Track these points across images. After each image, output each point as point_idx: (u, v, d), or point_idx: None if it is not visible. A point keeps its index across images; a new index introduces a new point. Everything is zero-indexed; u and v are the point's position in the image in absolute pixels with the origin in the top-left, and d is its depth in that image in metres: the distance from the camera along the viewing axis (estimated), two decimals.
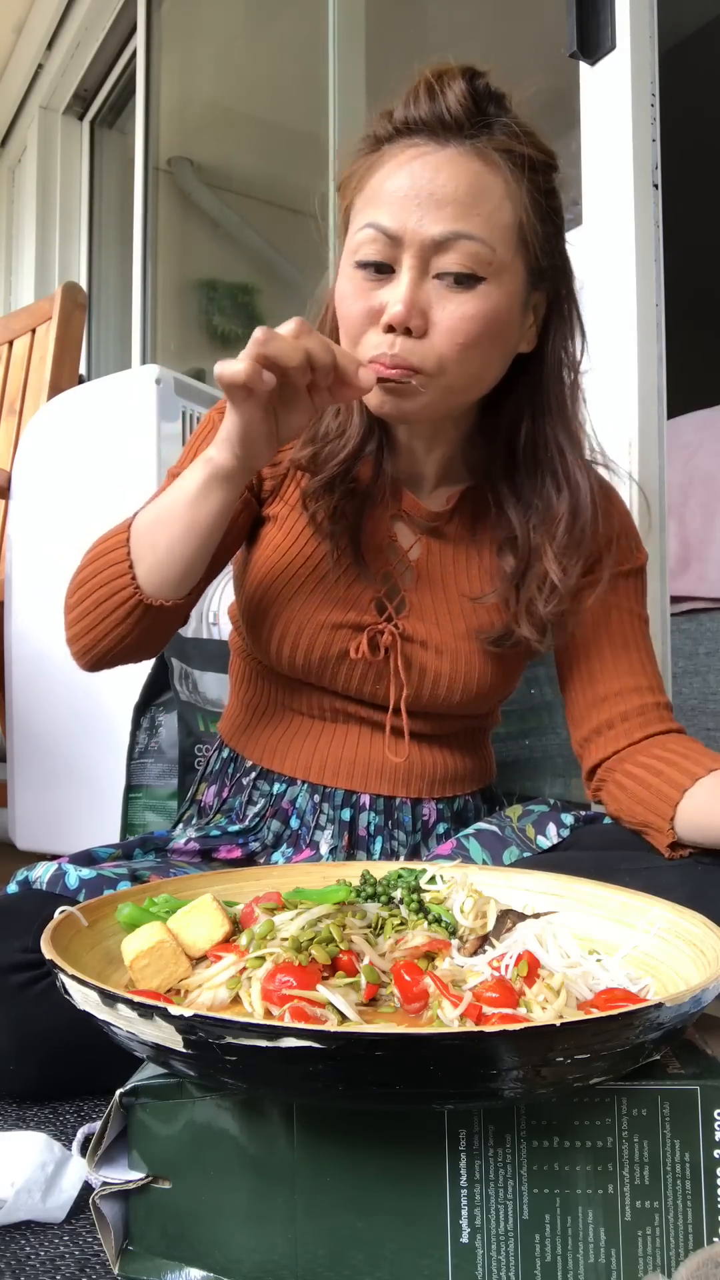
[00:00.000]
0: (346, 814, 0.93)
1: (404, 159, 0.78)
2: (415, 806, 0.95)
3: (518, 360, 0.87)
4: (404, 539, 0.92)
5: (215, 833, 0.93)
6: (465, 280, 0.77)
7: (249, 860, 0.92)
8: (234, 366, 0.70)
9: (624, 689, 0.90)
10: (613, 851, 0.86)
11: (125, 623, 0.83)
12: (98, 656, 0.87)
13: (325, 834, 0.93)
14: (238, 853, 0.92)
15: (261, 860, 0.93)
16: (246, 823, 0.94)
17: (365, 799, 0.93)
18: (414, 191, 0.77)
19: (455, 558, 0.92)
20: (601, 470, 0.93)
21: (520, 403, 0.88)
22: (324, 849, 0.92)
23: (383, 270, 0.79)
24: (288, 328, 0.72)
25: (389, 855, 0.93)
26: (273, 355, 0.70)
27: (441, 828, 0.96)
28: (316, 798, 0.93)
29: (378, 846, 0.93)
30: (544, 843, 0.91)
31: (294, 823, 0.94)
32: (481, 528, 0.93)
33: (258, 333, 0.70)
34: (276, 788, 0.94)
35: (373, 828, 0.93)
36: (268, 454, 0.77)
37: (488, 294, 0.78)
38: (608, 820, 0.93)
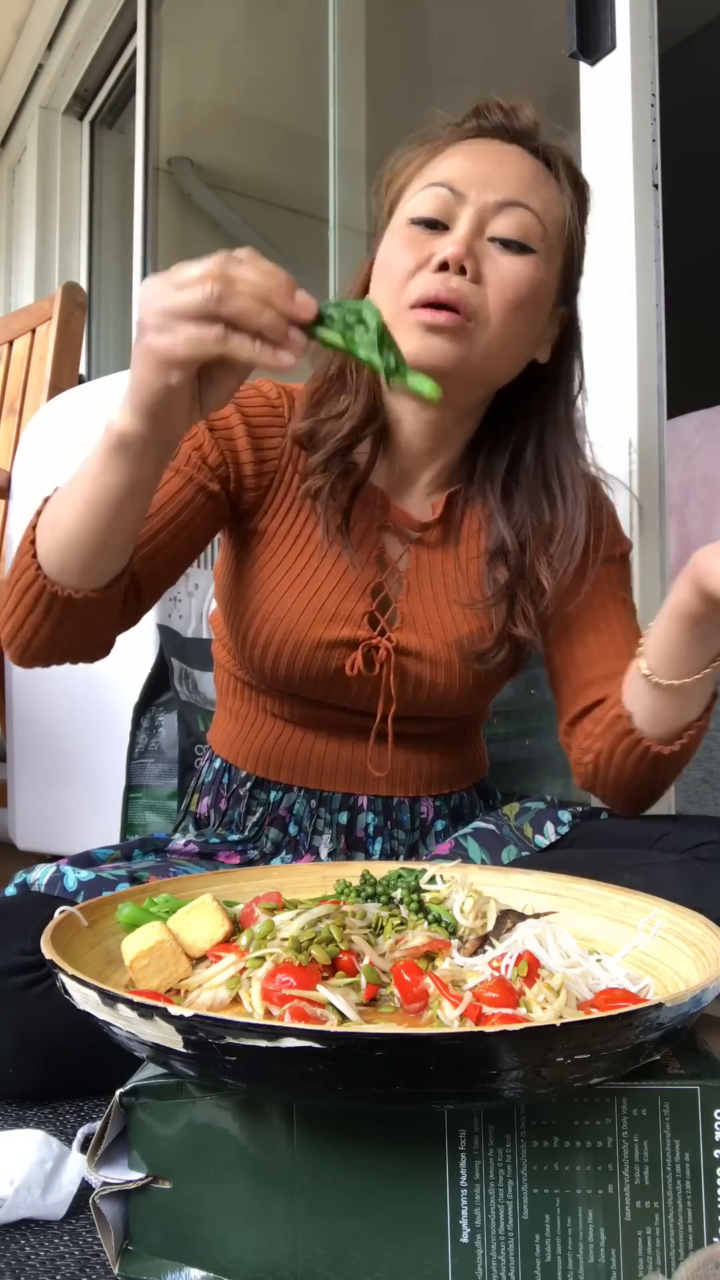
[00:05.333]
0: (344, 817, 0.93)
1: (471, 146, 0.83)
2: (413, 805, 0.95)
3: (532, 372, 0.88)
4: (392, 550, 0.91)
5: (215, 840, 0.93)
6: (516, 246, 0.81)
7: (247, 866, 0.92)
8: (176, 335, 0.56)
9: (609, 673, 0.90)
10: (611, 849, 0.86)
11: (36, 612, 0.76)
12: (23, 650, 0.80)
13: (324, 838, 0.93)
14: (236, 859, 0.92)
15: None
16: (246, 832, 0.94)
17: (363, 800, 0.93)
18: (480, 164, 0.82)
19: (444, 564, 0.92)
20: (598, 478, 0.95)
21: (531, 413, 0.90)
22: (323, 853, 0.92)
23: (437, 227, 0.81)
24: (252, 273, 0.56)
25: (389, 855, 0.93)
26: (236, 317, 0.56)
27: (439, 825, 0.96)
28: (314, 802, 0.93)
29: (377, 847, 0.93)
30: (541, 841, 0.90)
31: (292, 829, 0.94)
32: (468, 532, 0.93)
33: (212, 268, 0.56)
34: (273, 795, 0.94)
35: (371, 829, 0.93)
36: (186, 425, 0.66)
37: (535, 264, 0.82)
38: (604, 816, 0.93)
